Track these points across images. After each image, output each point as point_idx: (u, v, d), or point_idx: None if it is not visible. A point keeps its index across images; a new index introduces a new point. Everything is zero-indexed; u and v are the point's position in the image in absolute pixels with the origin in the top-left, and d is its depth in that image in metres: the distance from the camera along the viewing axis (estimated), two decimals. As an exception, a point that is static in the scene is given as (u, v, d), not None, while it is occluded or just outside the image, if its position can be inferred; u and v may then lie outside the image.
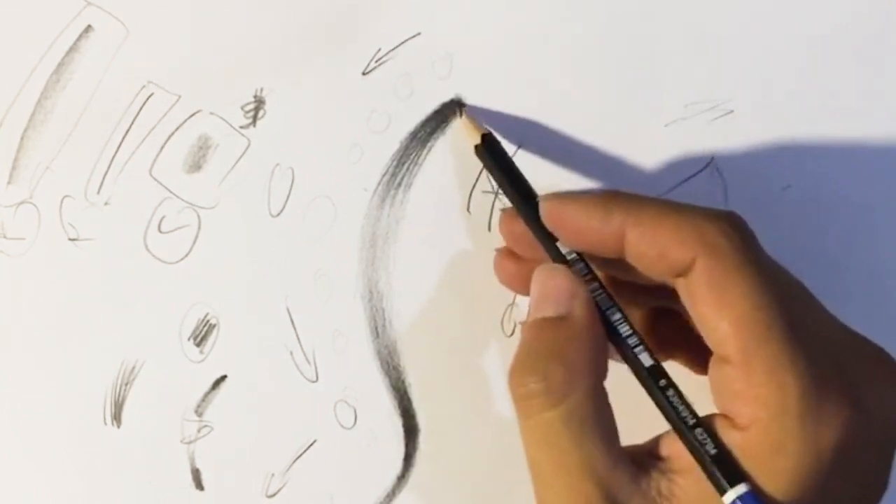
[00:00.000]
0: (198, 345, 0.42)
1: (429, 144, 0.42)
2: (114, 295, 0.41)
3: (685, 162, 0.43)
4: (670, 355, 0.40)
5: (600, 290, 0.37)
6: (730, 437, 0.34)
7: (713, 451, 0.33)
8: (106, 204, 0.41)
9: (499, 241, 0.42)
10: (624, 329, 0.36)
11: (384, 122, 0.42)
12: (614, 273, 0.38)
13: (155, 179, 0.41)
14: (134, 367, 0.41)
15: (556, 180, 0.43)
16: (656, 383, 0.35)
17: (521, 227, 0.39)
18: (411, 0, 0.41)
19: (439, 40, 0.42)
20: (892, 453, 0.35)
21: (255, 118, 0.41)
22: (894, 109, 0.44)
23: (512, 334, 0.43)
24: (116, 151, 0.40)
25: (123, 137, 0.40)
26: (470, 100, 0.42)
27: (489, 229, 0.43)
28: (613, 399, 0.35)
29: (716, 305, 0.34)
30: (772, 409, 0.33)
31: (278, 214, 0.42)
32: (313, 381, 0.42)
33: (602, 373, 0.35)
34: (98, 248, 0.41)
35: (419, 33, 0.41)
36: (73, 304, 0.41)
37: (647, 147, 0.43)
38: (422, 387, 0.43)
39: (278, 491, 0.43)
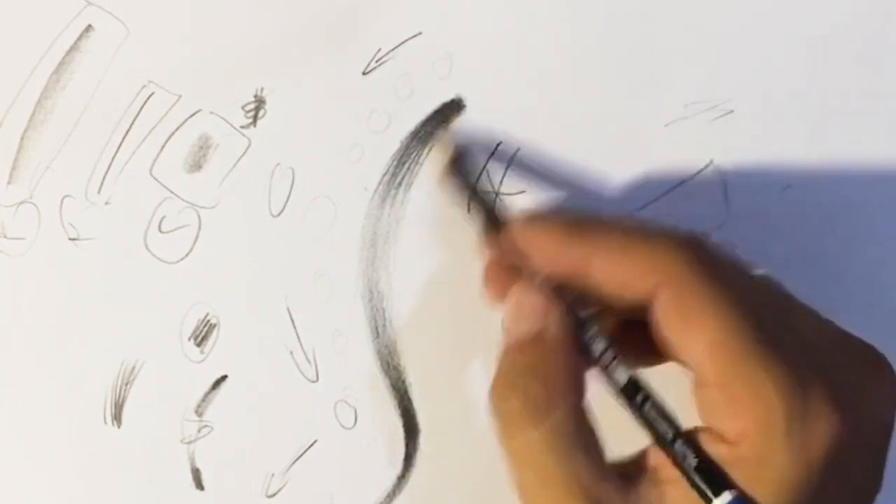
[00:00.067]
0: (198, 345, 0.41)
1: (429, 144, 0.42)
2: (114, 295, 0.41)
3: (685, 162, 0.43)
4: (658, 360, 0.39)
5: (573, 309, 0.37)
6: (717, 450, 0.33)
7: (695, 462, 0.33)
8: (106, 204, 0.41)
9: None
10: (598, 346, 0.36)
11: (384, 122, 0.42)
12: (588, 296, 0.38)
13: (155, 179, 0.41)
14: (134, 367, 0.41)
15: (556, 180, 0.43)
16: (632, 399, 0.35)
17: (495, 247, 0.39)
18: (411, 0, 0.41)
19: (439, 40, 0.42)
20: (884, 453, 0.35)
21: (255, 118, 0.41)
22: (894, 109, 0.44)
23: (512, 334, 0.43)
24: (117, 151, 0.40)
25: (124, 137, 0.40)
26: (470, 100, 0.42)
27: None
28: (600, 412, 0.35)
29: (686, 332, 0.34)
30: (758, 424, 0.33)
31: (279, 214, 0.42)
32: (313, 381, 0.42)
33: (581, 389, 0.35)
34: (98, 248, 0.41)
35: (419, 33, 0.42)
36: (73, 304, 0.41)
37: (647, 147, 0.43)
38: (422, 387, 0.43)
39: (278, 491, 0.42)
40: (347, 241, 0.42)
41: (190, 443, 0.42)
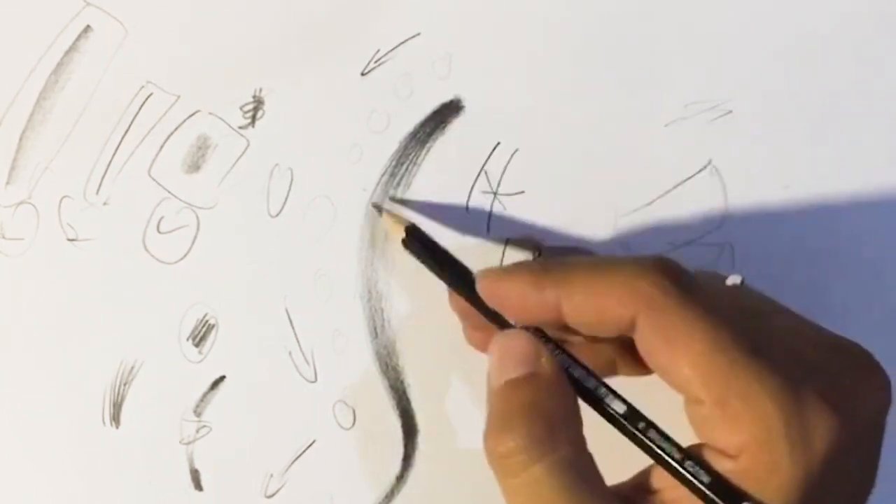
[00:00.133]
0: (197, 345, 0.42)
1: (428, 145, 0.42)
2: (113, 295, 0.41)
3: (685, 162, 0.43)
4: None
5: (558, 350, 0.37)
6: (720, 465, 0.33)
7: (707, 480, 0.33)
8: (105, 204, 0.41)
9: (499, 240, 0.42)
10: (590, 383, 0.36)
11: (384, 122, 0.42)
12: (569, 336, 0.38)
13: (154, 180, 0.41)
14: (133, 368, 0.41)
15: (556, 181, 0.43)
16: (635, 427, 0.35)
17: (467, 303, 0.39)
18: (411, 0, 0.41)
19: (439, 40, 0.42)
20: (878, 450, 0.35)
21: (254, 118, 0.41)
22: (894, 109, 0.44)
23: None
24: (115, 152, 0.40)
25: (122, 138, 0.40)
26: (470, 100, 0.42)
27: (488, 229, 0.42)
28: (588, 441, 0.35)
29: (670, 355, 0.34)
30: (757, 437, 0.33)
31: (277, 214, 0.42)
32: (312, 382, 0.42)
33: (579, 422, 0.35)
34: (97, 249, 0.41)
35: (419, 33, 0.41)
36: (72, 305, 0.41)
37: (647, 147, 0.43)
38: (421, 387, 0.43)
39: (277, 491, 0.43)
40: (346, 241, 0.42)
41: (189, 443, 0.42)
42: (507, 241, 0.43)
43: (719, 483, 0.33)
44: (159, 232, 0.41)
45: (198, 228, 0.41)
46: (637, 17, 0.42)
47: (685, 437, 0.35)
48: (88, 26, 0.40)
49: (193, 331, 0.41)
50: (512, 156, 0.42)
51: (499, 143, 0.42)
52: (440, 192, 0.42)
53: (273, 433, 0.42)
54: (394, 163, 0.42)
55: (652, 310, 0.34)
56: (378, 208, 0.42)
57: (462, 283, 0.38)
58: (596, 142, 0.43)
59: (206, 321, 0.41)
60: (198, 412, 0.42)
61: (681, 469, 0.34)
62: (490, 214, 0.42)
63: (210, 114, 0.41)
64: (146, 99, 0.40)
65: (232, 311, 0.42)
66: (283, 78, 0.41)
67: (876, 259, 0.45)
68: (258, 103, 0.41)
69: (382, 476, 0.43)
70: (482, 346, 0.40)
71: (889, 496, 0.37)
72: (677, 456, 0.34)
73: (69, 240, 0.40)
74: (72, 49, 0.40)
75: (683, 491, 0.34)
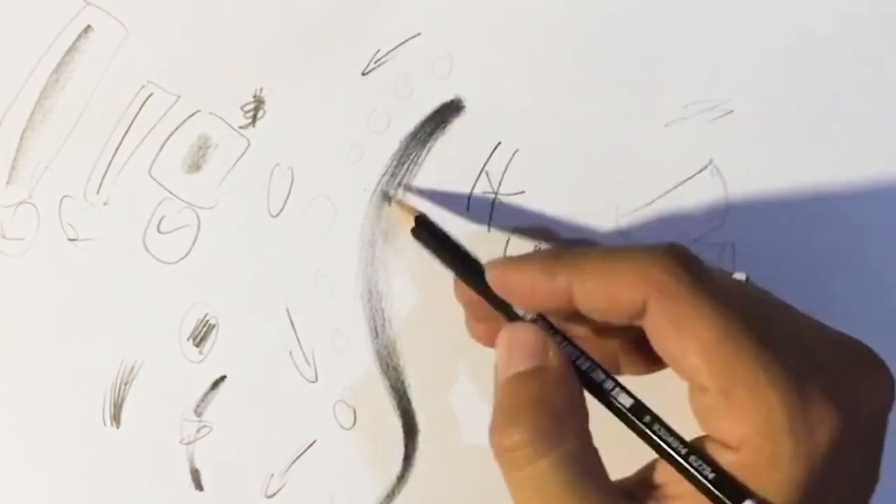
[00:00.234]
0: (197, 345, 0.41)
1: (428, 145, 0.42)
2: (113, 295, 0.41)
3: (685, 162, 0.43)
4: (661, 365, 0.39)
5: (566, 342, 0.37)
6: (723, 458, 0.34)
7: (712, 475, 0.33)
8: (105, 204, 0.40)
9: (500, 240, 0.42)
10: (597, 375, 0.36)
11: (384, 122, 0.42)
12: (578, 325, 0.38)
13: (154, 179, 0.41)
14: (133, 368, 0.41)
15: (556, 181, 0.43)
16: (641, 421, 0.35)
17: (474, 294, 0.39)
18: (411, 0, 0.41)
19: (439, 40, 0.42)
20: (880, 447, 0.35)
21: (254, 118, 0.41)
22: (894, 109, 0.44)
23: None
24: (116, 151, 0.40)
25: (123, 137, 0.40)
26: (470, 100, 0.42)
27: (489, 229, 0.43)
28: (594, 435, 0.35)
29: (679, 342, 0.34)
30: (760, 428, 0.33)
31: (278, 214, 0.42)
32: (313, 382, 0.42)
33: (585, 416, 0.35)
34: (97, 249, 0.41)
35: (419, 33, 0.41)
36: (73, 305, 0.41)
37: (647, 147, 0.43)
38: (421, 387, 0.43)
39: (278, 491, 0.42)
40: (347, 241, 0.42)
41: (189, 443, 0.42)
42: (514, 230, 0.42)
43: (723, 479, 0.33)
44: (160, 232, 0.41)
45: (198, 228, 0.41)
46: (637, 17, 0.42)
47: (689, 434, 0.35)
48: (89, 26, 0.40)
49: (194, 331, 0.41)
50: (512, 156, 0.42)
51: (499, 143, 0.42)
52: (440, 191, 0.42)
53: (273, 433, 0.42)
54: (394, 163, 0.42)
55: (663, 296, 0.34)
56: (387, 197, 0.42)
57: (471, 272, 0.38)
58: (596, 142, 0.43)
59: (207, 321, 0.41)
60: (198, 412, 0.42)
61: (685, 464, 0.34)
62: (491, 214, 0.42)
63: (210, 114, 0.41)
64: (147, 99, 0.40)
65: (232, 310, 0.41)
66: (284, 78, 0.41)
67: (876, 259, 0.45)
68: (258, 103, 0.41)
69: (383, 476, 0.43)
70: (485, 340, 0.40)
71: (892, 494, 0.37)
72: (682, 451, 0.34)
73: (70, 240, 0.40)
74: (72, 49, 0.40)
75: (687, 486, 0.34)
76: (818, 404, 0.33)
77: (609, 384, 0.36)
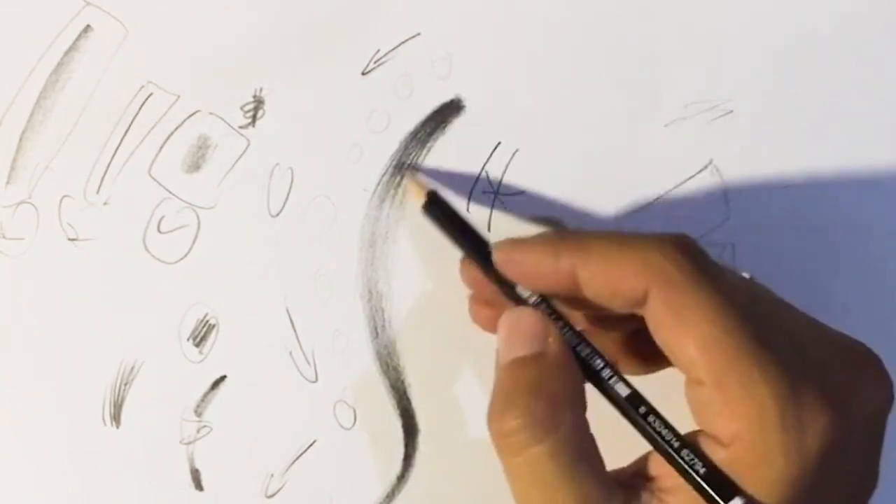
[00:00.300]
0: (197, 345, 0.41)
1: (428, 145, 0.42)
2: (113, 295, 0.41)
3: (685, 162, 0.43)
4: (659, 366, 0.40)
5: (567, 328, 0.37)
6: (714, 454, 0.34)
7: (703, 470, 0.33)
8: (105, 204, 0.40)
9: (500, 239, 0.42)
10: (597, 363, 0.36)
11: (384, 122, 0.42)
12: (580, 310, 0.38)
13: (154, 179, 0.41)
14: (133, 368, 0.41)
15: (556, 181, 0.43)
16: (636, 411, 0.35)
17: (481, 274, 0.39)
18: (411, 0, 0.41)
19: (439, 40, 0.42)
20: (878, 449, 0.35)
21: (254, 118, 0.41)
22: (894, 109, 0.44)
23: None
24: (115, 151, 0.40)
25: (122, 137, 0.40)
26: (470, 100, 0.42)
27: (489, 229, 0.42)
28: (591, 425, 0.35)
29: (678, 332, 0.34)
30: (752, 425, 0.33)
31: (278, 214, 0.42)
32: (313, 382, 0.42)
33: (583, 404, 0.35)
34: (97, 248, 0.41)
35: (419, 33, 0.41)
36: (73, 304, 0.41)
37: (647, 147, 0.43)
38: (421, 387, 0.43)
39: (278, 491, 0.42)
40: (346, 241, 0.42)
41: (189, 443, 0.42)
42: (514, 230, 0.42)
43: (714, 475, 0.33)
44: (160, 232, 0.41)
45: (198, 228, 0.41)
46: (637, 17, 0.42)
47: (682, 430, 0.35)
48: (88, 26, 0.40)
49: (194, 331, 0.41)
50: (513, 156, 0.42)
51: (499, 143, 0.42)
52: (440, 191, 0.42)
53: (273, 433, 0.42)
54: (394, 163, 0.42)
55: (665, 285, 0.34)
56: (401, 172, 0.41)
57: (478, 252, 0.38)
58: (596, 142, 0.43)
59: (207, 321, 0.41)
60: (198, 412, 0.42)
61: (677, 457, 0.34)
62: (491, 214, 0.42)
63: (210, 113, 0.41)
64: (146, 99, 0.40)
65: (232, 310, 0.41)
66: (284, 78, 0.41)
67: (876, 259, 0.45)
68: (258, 103, 0.41)
69: (383, 476, 0.43)
70: (486, 324, 0.40)
71: (891, 497, 0.37)
72: (675, 444, 0.34)
73: (69, 239, 0.40)
74: (72, 49, 0.40)
75: (680, 480, 0.34)
76: (812, 403, 0.33)
77: (607, 372, 0.36)
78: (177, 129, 0.40)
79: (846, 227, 0.44)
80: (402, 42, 0.41)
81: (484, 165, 0.42)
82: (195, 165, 0.41)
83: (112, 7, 0.40)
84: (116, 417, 0.41)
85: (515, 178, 0.42)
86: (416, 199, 0.40)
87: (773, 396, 0.33)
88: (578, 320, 0.39)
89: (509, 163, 0.42)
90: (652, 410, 0.35)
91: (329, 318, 0.42)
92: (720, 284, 0.34)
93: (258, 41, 0.41)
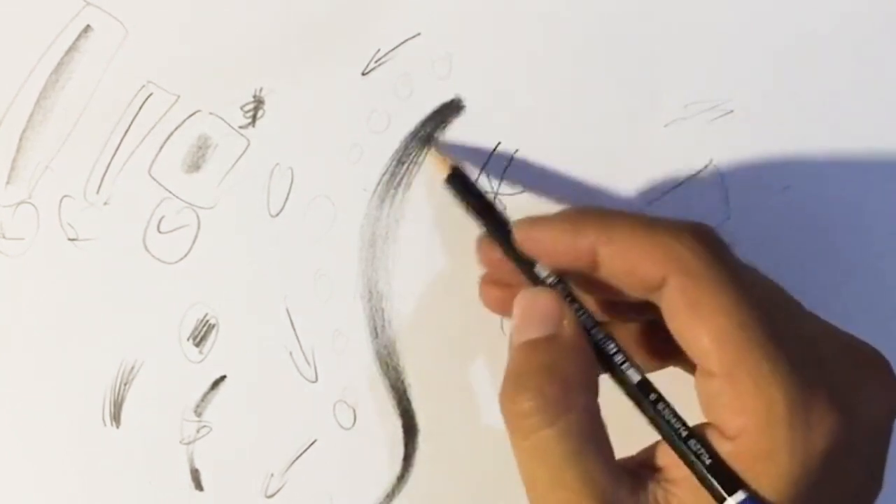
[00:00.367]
0: (197, 345, 0.41)
1: (429, 144, 0.42)
2: (113, 295, 0.41)
3: (685, 162, 0.43)
4: (667, 362, 0.40)
5: (583, 311, 0.37)
6: (720, 447, 0.34)
7: (708, 462, 0.33)
8: (105, 204, 0.41)
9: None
10: (610, 347, 0.36)
11: (384, 122, 0.42)
12: (596, 294, 0.38)
13: (154, 179, 0.41)
14: (133, 368, 0.41)
15: (556, 181, 0.43)
16: (646, 398, 0.35)
17: (498, 253, 0.39)
18: (411, 0, 0.41)
19: (439, 40, 0.42)
20: (884, 453, 0.35)
21: (254, 118, 0.41)
22: (894, 109, 0.44)
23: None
24: (115, 151, 0.40)
25: (122, 137, 0.40)
26: (470, 100, 0.42)
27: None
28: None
29: (693, 322, 0.34)
30: (759, 420, 0.33)
31: (278, 214, 0.42)
32: (313, 382, 0.42)
33: (595, 389, 0.35)
34: (97, 248, 0.41)
35: (419, 33, 0.41)
36: (73, 304, 0.41)
37: (647, 147, 0.43)
38: (421, 387, 0.43)
39: (278, 491, 0.42)
40: (347, 241, 0.42)
41: (189, 443, 0.42)
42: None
43: (719, 467, 0.33)
44: (160, 232, 0.41)
45: (198, 228, 0.41)
46: (637, 17, 0.42)
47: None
48: (88, 26, 0.40)
49: (194, 331, 0.41)
50: (513, 156, 0.42)
51: (499, 143, 0.42)
52: (441, 191, 0.42)
53: (273, 433, 0.42)
54: (394, 163, 0.42)
55: (684, 273, 0.34)
56: (426, 146, 0.41)
57: (498, 229, 0.39)
58: (596, 142, 0.43)
59: (207, 321, 0.41)
60: (198, 412, 0.42)
61: (684, 447, 0.34)
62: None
63: (210, 113, 0.41)
64: (146, 99, 0.40)
65: (232, 310, 0.42)
66: (284, 78, 0.41)
67: (877, 259, 0.45)
68: (258, 103, 0.41)
69: (383, 476, 0.43)
70: (496, 306, 0.40)
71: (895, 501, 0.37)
72: (683, 433, 0.34)
73: (69, 239, 0.40)
74: (72, 49, 0.40)
75: (686, 472, 0.34)
76: (820, 403, 0.33)
77: (620, 358, 0.36)
78: (177, 128, 0.40)
79: (846, 227, 0.44)
80: (402, 42, 0.41)
81: (484, 165, 0.42)
82: (195, 165, 0.41)
83: (112, 7, 0.40)
84: (116, 417, 0.41)
85: (515, 178, 0.42)
86: (439, 173, 0.40)
87: (782, 393, 0.33)
88: (592, 311, 0.39)
89: (509, 163, 0.42)
90: (662, 399, 0.35)
91: (329, 318, 0.42)
92: (738, 278, 0.34)
93: (258, 41, 0.41)
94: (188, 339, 0.41)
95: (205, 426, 0.42)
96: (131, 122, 0.40)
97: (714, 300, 0.34)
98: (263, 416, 0.42)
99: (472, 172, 0.42)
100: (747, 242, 0.43)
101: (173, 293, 0.41)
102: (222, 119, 0.41)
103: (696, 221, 0.36)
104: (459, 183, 0.40)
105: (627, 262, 0.35)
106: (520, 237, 0.38)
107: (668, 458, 0.35)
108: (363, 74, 0.41)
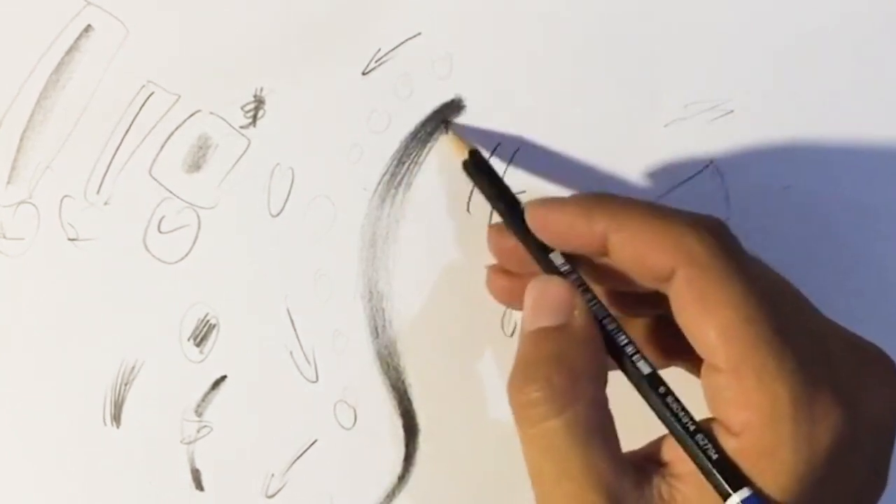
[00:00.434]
0: (197, 345, 0.41)
1: (429, 144, 0.42)
2: (113, 295, 0.41)
3: (685, 162, 0.43)
4: (672, 361, 0.40)
5: (595, 301, 0.37)
6: (725, 443, 0.34)
7: (715, 457, 0.33)
8: (105, 204, 0.41)
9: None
10: (621, 338, 0.36)
11: (384, 122, 0.42)
12: (606, 283, 0.38)
13: (154, 179, 0.41)
14: (133, 367, 0.41)
15: (556, 181, 0.43)
16: (655, 391, 0.35)
17: (509, 241, 0.39)
18: (411, 0, 0.41)
19: (439, 40, 0.42)
20: (889, 450, 0.35)
21: (254, 118, 0.41)
22: (894, 109, 0.44)
23: (512, 334, 0.43)
24: (116, 151, 0.40)
25: (123, 137, 0.40)
26: (470, 100, 0.42)
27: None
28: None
29: (701, 315, 0.34)
30: (763, 415, 0.33)
31: (278, 214, 0.42)
32: (313, 382, 0.42)
33: (604, 380, 0.35)
34: (98, 248, 0.41)
35: (419, 33, 0.41)
36: (73, 304, 0.41)
37: (647, 147, 0.43)
38: (422, 387, 0.43)
39: (278, 491, 0.42)
40: (347, 241, 0.42)
41: (189, 443, 0.42)
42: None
43: (725, 463, 0.33)
44: (160, 231, 0.41)
45: (199, 228, 0.41)
46: (637, 17, 0.42)
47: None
48: (89, 25, 0.40)
49: (194, 331, 0.41)
50: (512, 156, 0.42)
51: (499, 144, 0.42)
52: (441, 191, 0.42)
53: (274, 433, 0.42)
54: (395, 162, 0.42)
55: (693, 267, 0.34)
56: (444, 125, 0.41)
57: (513, 215, 0.38)
58: (596, 142, 0.43)
59: (207, 321, 0.41)
60: (199, 412, 0.42)
61: (691, 441, 0.34)
62: (491, 214, 0.42)
63: (211, 113, 0.41)
64: (147, 98, 0.40)
65: (233, 310, 0.41)
66: (284, 78, 0.41)
67: (877, 259, 0.45)
68: (259, 103, 0.41)
69: (383, 476, 0.43)
70: (503, 296, 0.40)
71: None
72: (690, 427, 0.34)
73: (70, 239, 0.40)
74: (72, 48, 0.40)
75: (691, 467, 0.34)
76: (825, 400, 0.33)
77: (630, 349, 0.36)
78: (177, 128, 0.40)
79: (846, 226, 0.44)
80: (403, 42, 0.41)
81: (484, 165, 0.42)
82: (196, 165, 0.41)
83: (113, 7, 0.40)
84: (117, 417, 0.41)
85: (515, 178, 0.42)
86: (457, 156, 0.40)
87: (787, 389, 0.33)
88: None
89: (509, 163, 0.42)
90: (670, 392, 0.35)
91: (329, 318, 0.42)
92: (747, 272, 0.34)
93: (258, 41, 0.41)
94: (189, 339, 0.41)
95: (205, 426, 0.42)
96: (132, 122, 0.40)
97: (722, 294, 0.34)
98: (264, 416, 0.42)
99: (466, 183, 0.42)
100: (747, 242, 0.43)
101: (174, 293, 0.41)
102: (223, 119, 0.41)
103: (708, 215, 0.36)
104: (477, 166, 0.40)
105: (637, 251, 0.35)
106: (532, 218, 0.38)
107: (673, 453, 0.35)
108: (363, 74, 0.41)
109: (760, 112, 0.43)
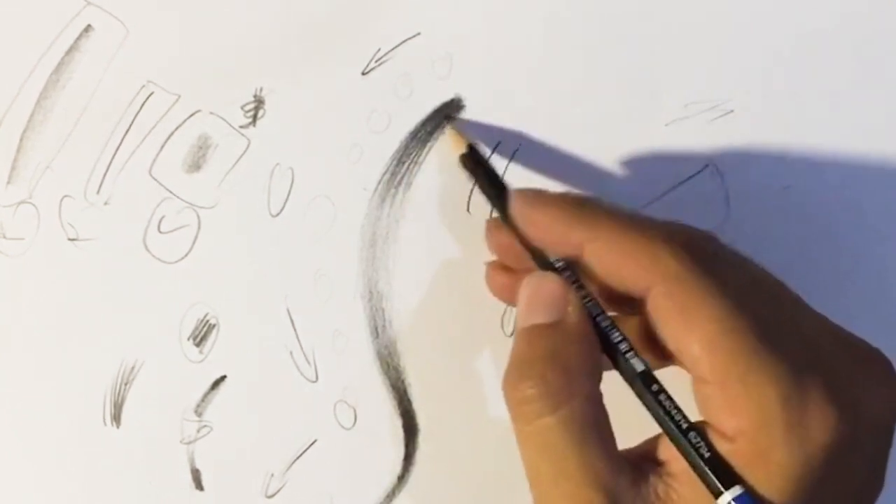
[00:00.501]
0: (197, 345, 0.41)
1: (429, 144, 0.42)
2: (113, 295, 0.41)
3: (685, 162, 0.43)
4: (667, 360, 0.39)
5: (589, 298, 0.37)
6: (719, 445, 0.34)
7: (707, 455, 0.33)
8: (105, 204, 0.41)
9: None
10: (614, 335, 0.36)
11: (384, 122, 0.42)
12: (600, 282, 0.38)
13: (154, 179, 0.41)
14: (133, 367, 0.41)
15: (556, 181, 0.43)
16: (648, 388, 0.35)
17: (507, 237, 0.39)
18: (411, 0, 0.41)
19: (439, 40, 0.42)
20: (885, 451, 0.35)
21: (254, 118, 0.41)
22: (894, 109, 0.44)
23: (512, 334, 0.43)
24: (116, 151, 0.40)
25: (123, 137, 0.40)
26: (470, 100, 0.42)
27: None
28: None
29: (682, 329, 0.34)
30: (753, 421, 0.33)
31: (278, 214, 0.42)
32: (313, 381, 0.42)
33: (598, 377, 0.35)
34: (97, 248, 0.41)
35: (419, 33, 0.41)
36: (73, 304, 0.41)
37: (647, 147, 0.43)
38: (422, 387, 0.43)
39: (278, 491, 0.42)
40: (347, 241, 0.42)
41: (189, 443, 0.42)
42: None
43: (717, 461, 0.33)
44: (160, 231, 0.41)
45: (199, 228, 0.41)
46: (637, 17, 0.42)
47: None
48: (89, 25, 0.40)
49: (194, 330, 0.41)
50: (512, 156, 0.42)
51: (499, 143, 0.42)
52: (441, 191, 0.42)
53: (274, 433, 0.42)
54: (395, 162, 0.42)
55: (670, 281, 0.34)
56: (447, 121, 0.41)
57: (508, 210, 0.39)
58: (596, 142, 0.43)
59: (207, 321, 0.41)
60: (198, 412, 0.42)
61: (683, 439, 0.34)
62: (491, 214, 0.42)
63: (211, 113, 0.41)
64: (147, 98, 0.40)
65: (233, 310, 0.42)
66: (284, 78, 0.41)
67: (878, 259, 0.45)
68: (259, 103, 0.41)
69: (383, 476, 0.43)
70: (501, 292, 0.40)
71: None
72: (683, 425, 0.34)
73: (70, 239, 0.40)
74: (72, 48, 0.40)
75: (685, 465, 0.34)
76: (817, 401, 0.33)
77: (624, 346, 0.36)
78: (177, 128, 0.40)
79: (846, 227, 0.44)
80: (403, 42, 0.41)
81: (484, 165, 0.42)
82: (196, 165, 0.41)
83: (113, 7, 0.40)
84: (117, 417, 0.41)
85: (515, 175, 0.42)
86: (455, 150, 0.40)
87: (775, 393, 0.33)
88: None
89: (509, 163, 0.42)
90: (664, 390, 0.35)
91: (329, 318, 0.42)
92: (730, 281, 0.34)
93: (258, 41, 0.41)
94: (188, 339, 0.41)
95: (205, 426, 0.42)
96: (132, 122, 0.40)
97: (703, 307, 0.34)
98: (264, 416, 0.42)
99: (466, 183, 0.42)
100: (747, 242, 0.43)
101: (174, 293, 0.41)
102: (223, 119, 0.41)
103: (686, 225, 0.36)
104: (474, 160, 0.40)
105: (612, 263, 0.35)
106: (517, 213, 0.38)
107: (669, 452, 0.35)
108: (363, 74, 0.41)
109: (760, 112, 0.43)
